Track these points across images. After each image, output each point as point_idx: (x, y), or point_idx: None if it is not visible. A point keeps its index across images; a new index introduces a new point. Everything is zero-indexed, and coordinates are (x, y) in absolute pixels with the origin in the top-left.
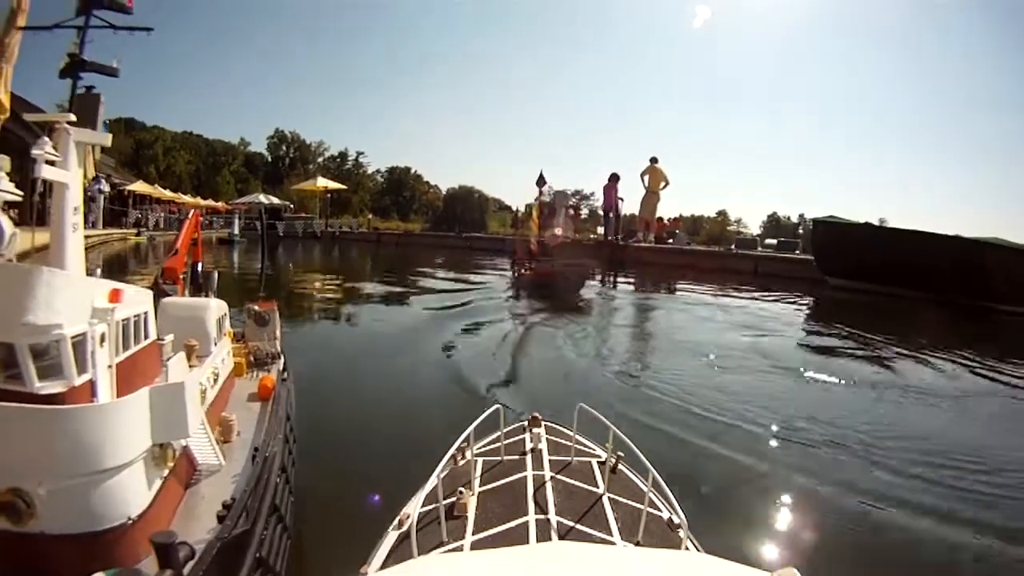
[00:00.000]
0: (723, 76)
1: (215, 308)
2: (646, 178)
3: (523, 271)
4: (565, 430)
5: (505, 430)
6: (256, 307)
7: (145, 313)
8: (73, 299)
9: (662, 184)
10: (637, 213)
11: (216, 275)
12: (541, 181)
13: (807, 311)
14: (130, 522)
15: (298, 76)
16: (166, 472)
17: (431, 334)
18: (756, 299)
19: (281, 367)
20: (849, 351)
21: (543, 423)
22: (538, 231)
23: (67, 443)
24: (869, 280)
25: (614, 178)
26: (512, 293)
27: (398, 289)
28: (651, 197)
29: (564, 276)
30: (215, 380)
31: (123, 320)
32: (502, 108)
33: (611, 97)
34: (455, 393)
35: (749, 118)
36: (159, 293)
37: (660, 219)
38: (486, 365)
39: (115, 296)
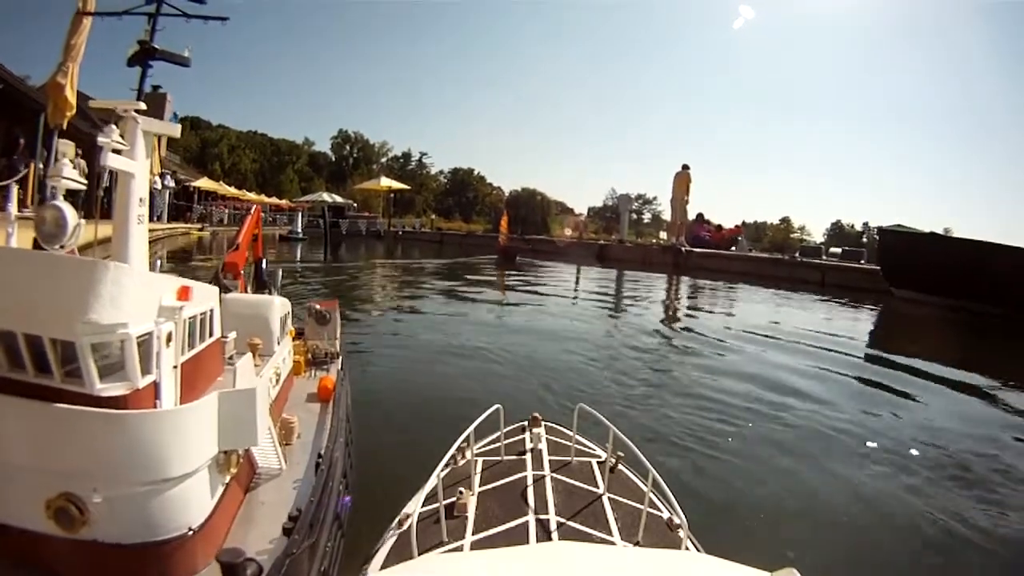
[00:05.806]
0: (793, 81)
1: (279, 306)
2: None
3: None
4: (565, 430)
5: (505, 430)
6: (318, 305)
7: (211, 310)
8: (140, 296)
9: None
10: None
11: (280, 272)
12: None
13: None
14: (190, 532)
15: (362, 77)
16: (228, 478)
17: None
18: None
19: (339, 367)
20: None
21: (543, 423)
22: (507, 231)
23: (129, 450)
24: (938, 293)
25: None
26: (495, 261)
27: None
28: (675, 202)
29: (505, 252)
30: (277, 380)
31: (190, 318)
32: (569, 113)
33: (676, 106)
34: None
35: (812, 124)
36: (219, 287)
37: (720, 227)
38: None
39: (184, 294)
